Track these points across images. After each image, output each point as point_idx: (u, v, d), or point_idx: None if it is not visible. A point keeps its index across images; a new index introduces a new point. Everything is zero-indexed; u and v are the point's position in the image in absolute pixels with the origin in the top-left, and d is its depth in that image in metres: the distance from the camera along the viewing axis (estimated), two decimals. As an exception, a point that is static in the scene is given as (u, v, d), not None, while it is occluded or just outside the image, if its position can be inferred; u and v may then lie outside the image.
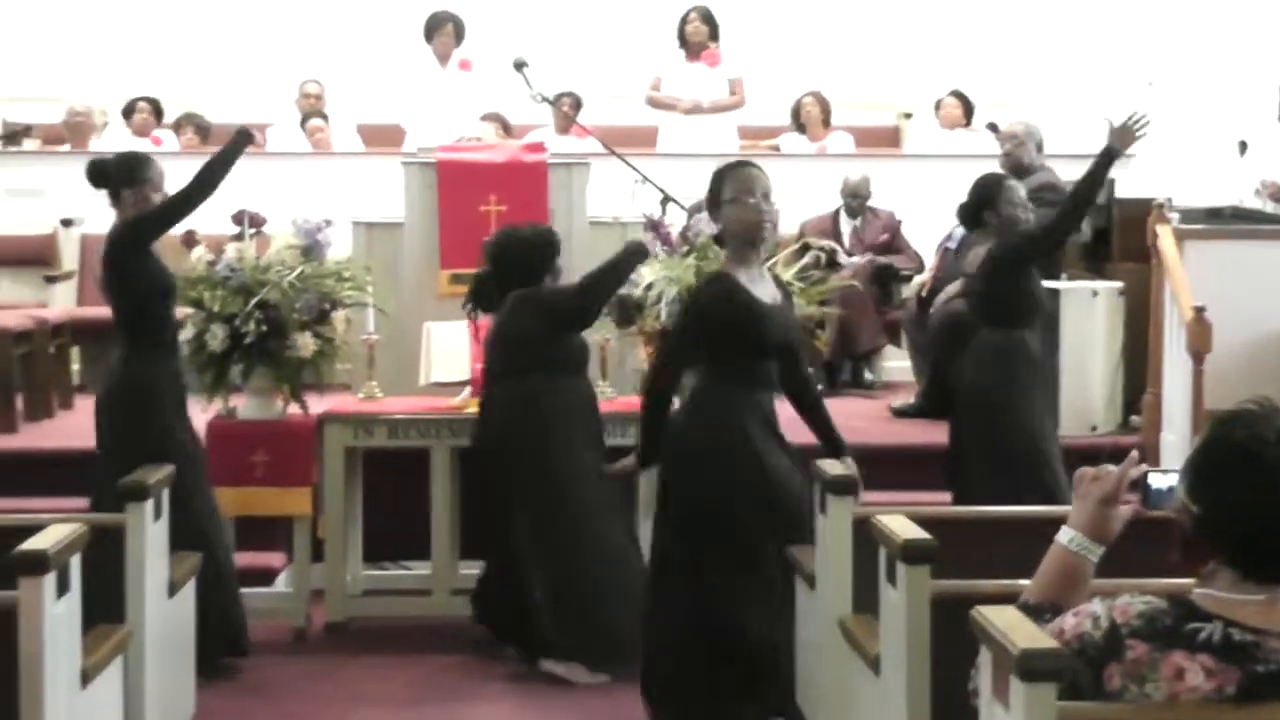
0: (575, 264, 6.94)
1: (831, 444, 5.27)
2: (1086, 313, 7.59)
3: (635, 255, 6.01)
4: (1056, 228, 6.41)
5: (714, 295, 4.98)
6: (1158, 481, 2.90)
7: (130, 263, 5.65)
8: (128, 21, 11.87)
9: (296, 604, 6.40)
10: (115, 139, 10.07)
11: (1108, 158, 6.25)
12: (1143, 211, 7.53)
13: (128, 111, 10.52)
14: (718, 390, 4.99)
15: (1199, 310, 6.80)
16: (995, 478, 5.97)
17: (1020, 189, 6.45)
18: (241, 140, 5.85)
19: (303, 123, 10.38)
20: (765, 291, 4.99)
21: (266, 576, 6.69)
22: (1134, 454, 2.91)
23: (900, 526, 4.12)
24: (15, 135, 10.50)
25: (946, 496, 6.50)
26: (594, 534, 5.74)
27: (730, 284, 4.94)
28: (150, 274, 5.69)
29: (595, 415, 5.95)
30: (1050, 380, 6.81)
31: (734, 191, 4.89)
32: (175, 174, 8.75)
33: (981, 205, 6.30)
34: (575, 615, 5.71)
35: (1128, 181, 8.74)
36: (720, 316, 4.92)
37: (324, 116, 10.36)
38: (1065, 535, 2.89)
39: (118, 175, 5.73)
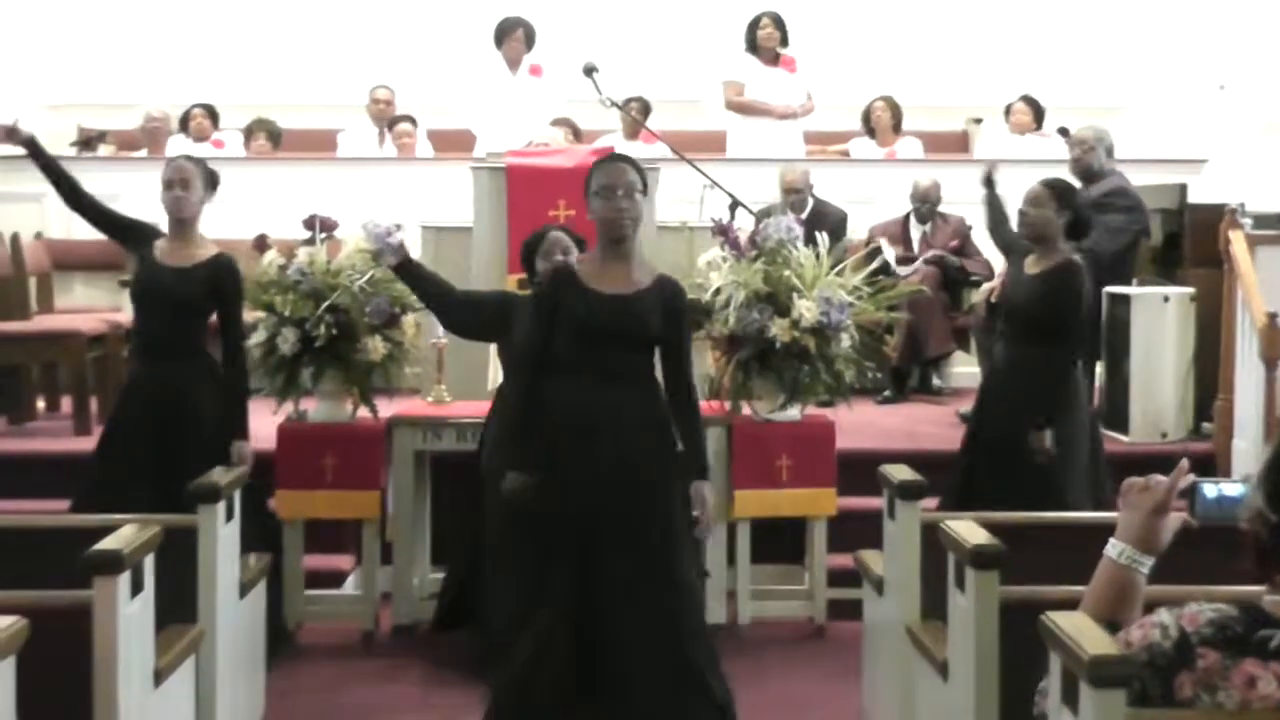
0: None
1: (691, 457, 4.96)
2: (1157, 319, 7.55)
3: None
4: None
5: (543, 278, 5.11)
6: (1210, 491, 2.86)
7: None
8: (200, 28, 11.99)
9: (364, 606, 6.43)
10: (179, 145, 10.17)
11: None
12: (1215, 217, 7.47)
13: (184, 120, 10.62)
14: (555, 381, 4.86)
15: (1272, 316, 6.74)
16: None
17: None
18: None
19: (390, 127, 10.44)
20: (620, 284, 4.83)
21: (335, 579, 6.73)
22: (1183, 463, 2.86)
23: (969, 532, 4.12)
24: (90, 141, 10.62)
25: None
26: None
27: (560, 269, 5.04)
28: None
29: None
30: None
31: (598, 185, 4.82)
32: (242, 178, 8.89)
33: (1085, 218, 6.23)
34: None
35: (1200, 187, 8.67)
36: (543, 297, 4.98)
37: (412, 121, 10.42)
38: (1114, 548, 2.85)
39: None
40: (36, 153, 5.99)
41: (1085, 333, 6.11)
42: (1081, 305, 5.99)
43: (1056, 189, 6.10)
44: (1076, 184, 6.64)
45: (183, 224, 5.81)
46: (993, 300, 8.21)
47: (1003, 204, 6.69)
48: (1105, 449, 6.68)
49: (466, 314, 5.97)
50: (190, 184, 5.78)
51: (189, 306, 5.74)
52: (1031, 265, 6.10)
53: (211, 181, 5.87)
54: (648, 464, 4.76)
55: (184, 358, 5.74)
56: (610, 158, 5.10)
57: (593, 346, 4.78)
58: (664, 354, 4.91)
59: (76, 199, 5.98)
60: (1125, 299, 7.60)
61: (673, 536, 4.77)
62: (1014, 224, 6.39)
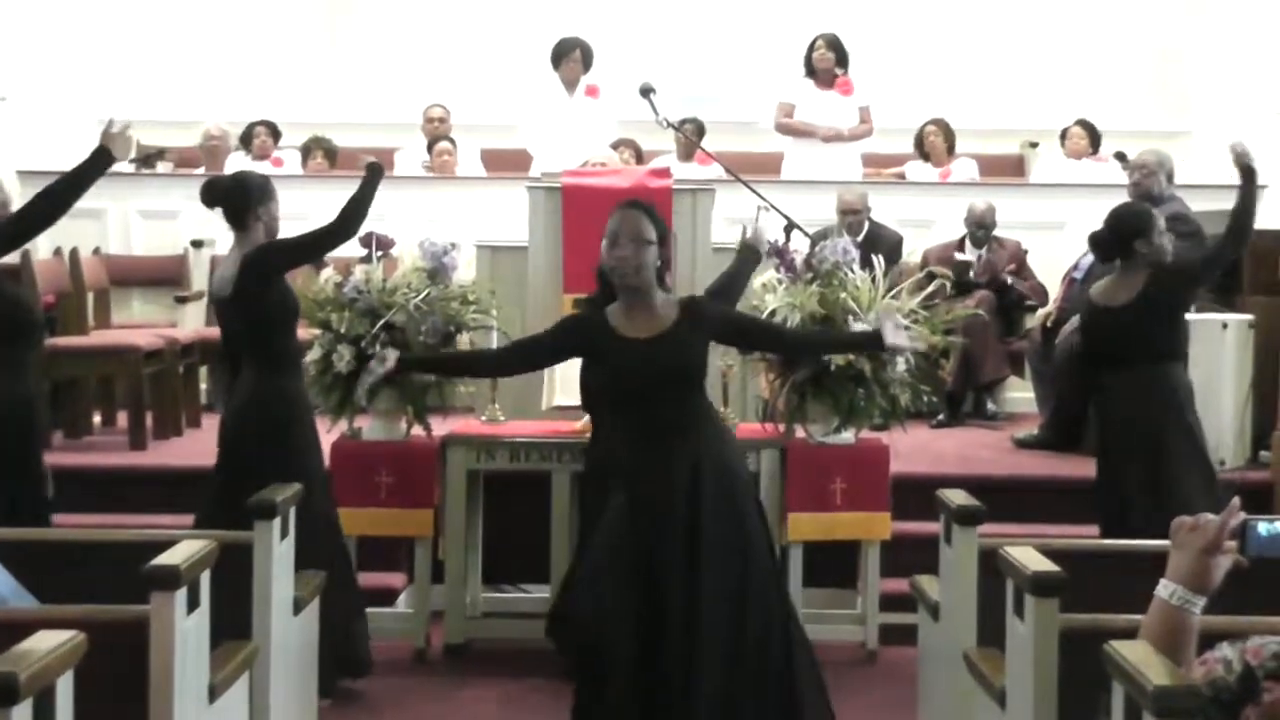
0: (697, 289, 6.97)
1: None
2: (1216, 345, 7.49)
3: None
4: (1224, 253, 6.35)
5: (563, 324, 5.09)
6: (1262, 528, 2.82)
7: (256, 286, 5.65)
8: (258, 47, 12.10)
9: (416, 625, 6.44)
10: (238, 163, 10.24)
11: (1249, 180, 6.18)
12: (1274, 244, 7.45)
13: (246, 137, 10.68)
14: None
15: (1332, 344, 6.69)
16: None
17: (1161, 219, 6.35)
18: (374, 177, 5.85)
19: (429, 147, 10.47)
20: (644, 327, 4.76)
21: (387, 597, 6.74)
22: (1235, 501, 2.84)
23: (1028, 558, 4.07)
24: (149, 159, 10.69)
25: (1071, 528, 6.45)
26: None
27: (580, 317, 5.06)
28: (275, 297, 5.72)
29: None
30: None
31: (607, 231, 4.81)
32: (300, 196, 8.92)
33: (1134, 235, 6.17)
34: None
35: (1259, 213, 8.60)
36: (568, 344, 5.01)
37: (451, 141, 10.46)
38: (1165, 589, 2.83)
39: (240, 195, 5.77)
40: None
41: None
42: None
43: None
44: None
45: None
46: (1049, 325, 8.19)
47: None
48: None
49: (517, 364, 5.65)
50: None
51: None
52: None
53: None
54: (719, 509, 4.69)
55: None
56: (625, 204, 5.00)
57: (639, 397, 4.76)
58: (750, 342, 4.99)
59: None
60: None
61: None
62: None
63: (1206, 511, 2.87)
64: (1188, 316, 7.43)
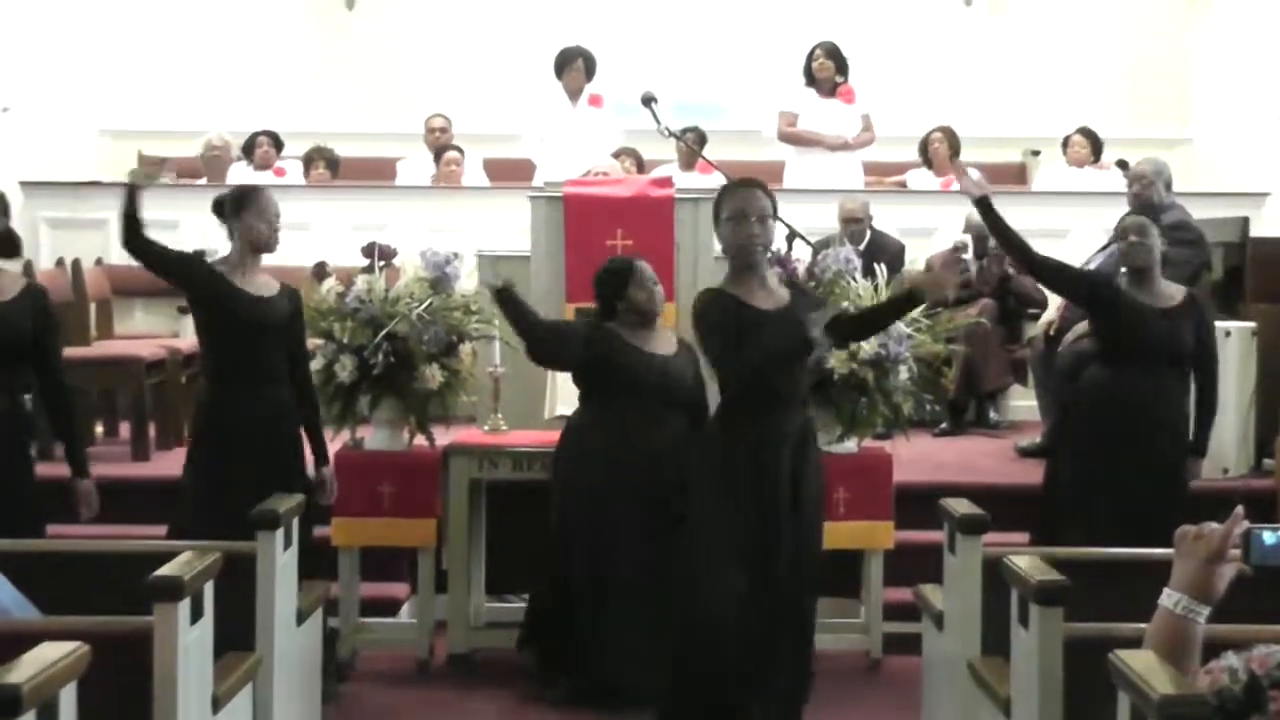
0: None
1: None
2: (1219, 353, 7.46)
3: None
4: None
5: (705, 301, 5.04)
6: (1267, 536, 2.81)
7: None
8: (260, 57, 12.15)
9: (420, 635, 6.43)
10: (240, 173, 10.26)
11: (986, 211, 6.44)
12: (1277, 251, 7.41)
13: (248, 147, 10.70)
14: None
15: (1335, 351, 6.69)
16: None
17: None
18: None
19: (437, 156, 10.49)
20: (767, 300, 5.02)
21: (390, 607, 6.76)
22: (1238, 509, 2.83)
23: (1032, 567, 4.09)
24: (150, 175, 10.68)
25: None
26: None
27: (717, 291, 5.04)
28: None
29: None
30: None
31: (730, 211, 4.92)
32: (302, 207, 8.94)
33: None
34: None
35: (1262, 221, 8.64)
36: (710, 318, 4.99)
37: (460, 150, 10.48)
38: (1170, 598, 2.82)
39: (218, 212, 5.85)
40: None
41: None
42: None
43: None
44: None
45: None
46: (1052, 333, 8.18)
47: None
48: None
49: (550, 344, 5.99)
50: None
51: None
52: (1158, 298, 6.30)
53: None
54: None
55: None
56: (740, 182, 5.15)
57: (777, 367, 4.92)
58: (842, 329, 5.22)
59: None
60: (1187, 334, 7.55)
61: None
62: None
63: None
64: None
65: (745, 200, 4.91)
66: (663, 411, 5.79)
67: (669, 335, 6.01)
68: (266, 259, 5.89)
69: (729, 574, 4.90)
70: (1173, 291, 6.37)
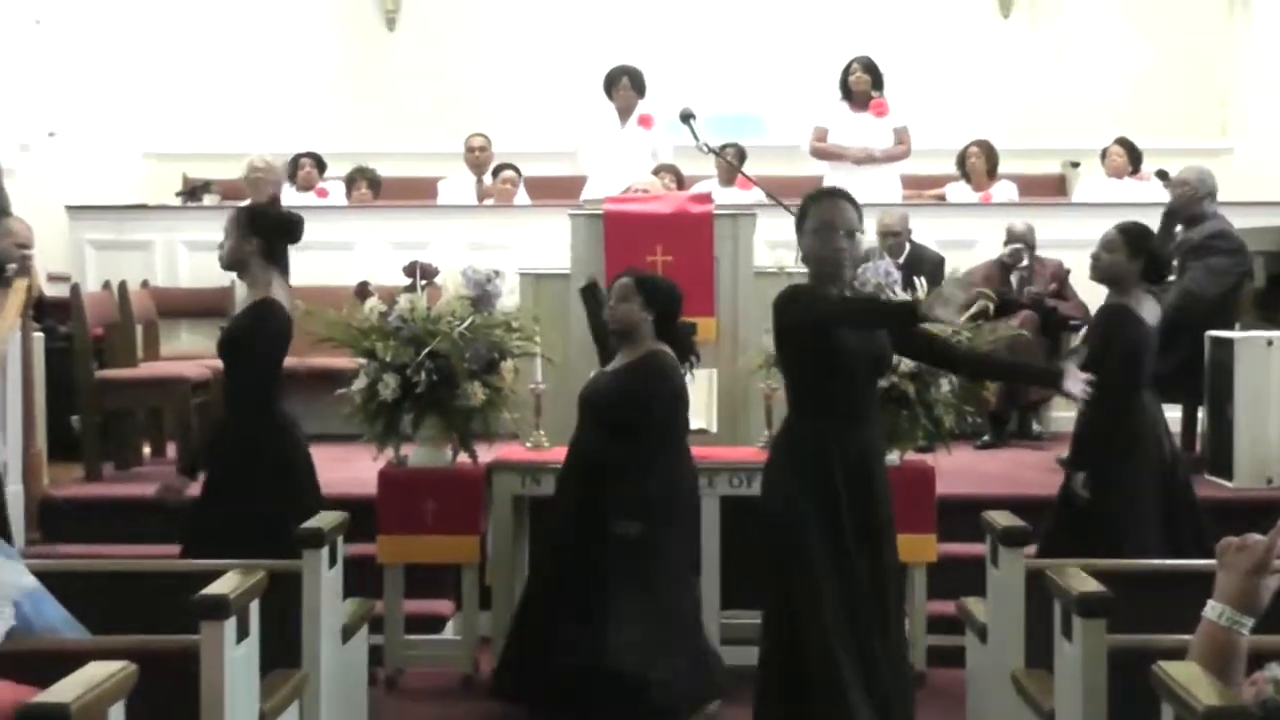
0: (740, 313, 7.05)
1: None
2: (1261, 363, 7.49)
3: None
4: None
5: (791, 289, 4.77)
6: None
7: None
8: (301, 79, 12.27)
9: (464, 651, 6.47)
10: (284, 194, 10.33)
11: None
12: (1315, 262, 7.41)
13: (291, 168, 10.78)
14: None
15: (1376, 360, 6.67)
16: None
17: None
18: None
19: (495, 172, 10.61)
20: None
21: (435, 623, 6.79)
22: None
23: (1075, 579, 4.10)
24: (195, 191, 10.83)
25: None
26: None
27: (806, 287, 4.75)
28: None
29: None
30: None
31: (817, 222, 4.65)
32: (345, 227, 9.00)
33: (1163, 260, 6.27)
34: None
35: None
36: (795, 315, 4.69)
37: (516, 170, 10.56)
38: (1213, 609, 2.83)
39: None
40: None
41: (1119, 377, 5.94)
42: (1114, 347, 6.01)
43: (1130, 233, 6.13)
44: (1155, 226, 6.61)
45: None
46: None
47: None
48: (1212, 496, 6.63)
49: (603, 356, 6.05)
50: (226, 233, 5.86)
51: None
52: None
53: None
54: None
55: None
56: (827, 192, 4.91)
57: (852, 380, 4.66)
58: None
59: None
60: (1228, 343, 7.56)
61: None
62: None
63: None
64: (1233, 335, 7.53)
65: (833, 212, 4.65)
66: (591, 431, 5.84)
67: (639, 350, 5.84)
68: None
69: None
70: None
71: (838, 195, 4.79)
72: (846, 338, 4.59)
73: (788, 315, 4.64)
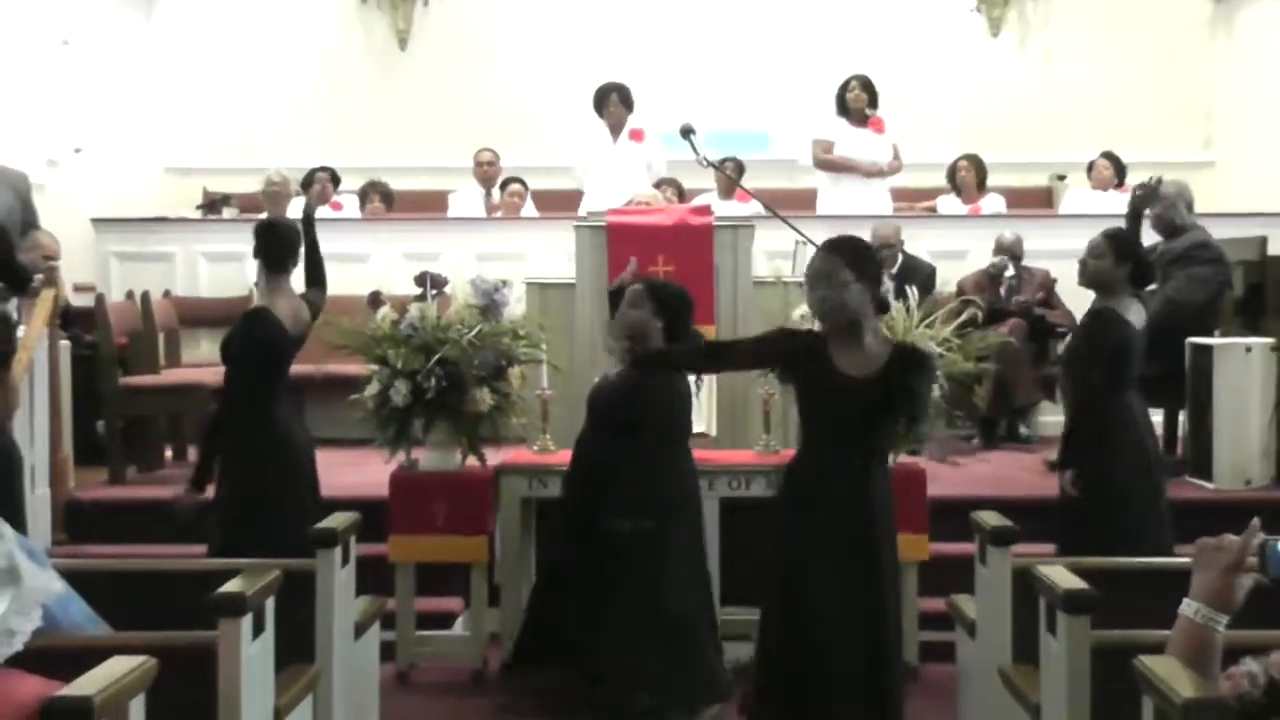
0: (740, 321, 7.16)
1: None
2: (1240, 368, 7.62)
3: None
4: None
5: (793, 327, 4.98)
6: None
7: None
8: (317, 97, 12.43)
9: (474, 647, 6.58)
10: (300, 208, 10.44)
11: None
12: (1294, 268, 7.53)
13: (307, 182, 10.88)
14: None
15: (1353, 365, 6.79)
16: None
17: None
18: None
19: (503, 186, 10.73)
20: (854, 364, 4.66)
21: (445, 620, 6.91)
22: (1255, 521, 2.88)
23: (1061, 577, 4.15)
24: (215, 204, 10.98)
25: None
26: None
27: (815, 334, 4.82)
28: None
29: None
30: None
31: (805, 276, 4.77)
32: (359, 239, 9.13)
33: (1148, 265, 6.39)
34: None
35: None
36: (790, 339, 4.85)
37: (523, 183, 10.68)
38: (1189, 607, 2.85)
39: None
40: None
41: (1105, 378, 6.09)
42: (1101, 349, 6.12)
43: (1117, 239, 6.26)
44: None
45: None
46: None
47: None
48: (1193, 497, 6.77)
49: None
50: None
51: None
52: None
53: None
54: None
55: None
56: (822, 246, 4.82)
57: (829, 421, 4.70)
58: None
59: None
60: (1208, 349, 7.67)
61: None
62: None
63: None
64: (1213, 341, 7.65)
65: (809, 268, 4.71)
66: (593, 432, 5.95)
67: None
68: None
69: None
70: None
71: (823, 249, 4.78)
72: (809, 380, 4.70)
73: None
